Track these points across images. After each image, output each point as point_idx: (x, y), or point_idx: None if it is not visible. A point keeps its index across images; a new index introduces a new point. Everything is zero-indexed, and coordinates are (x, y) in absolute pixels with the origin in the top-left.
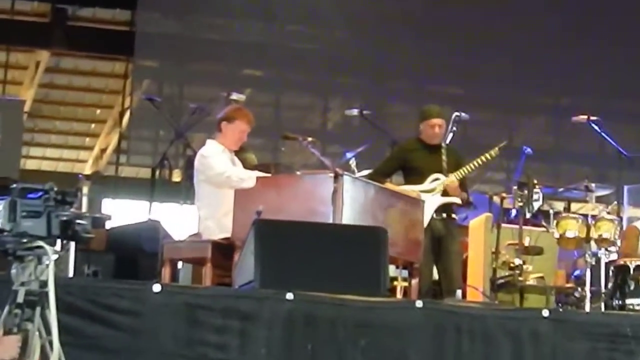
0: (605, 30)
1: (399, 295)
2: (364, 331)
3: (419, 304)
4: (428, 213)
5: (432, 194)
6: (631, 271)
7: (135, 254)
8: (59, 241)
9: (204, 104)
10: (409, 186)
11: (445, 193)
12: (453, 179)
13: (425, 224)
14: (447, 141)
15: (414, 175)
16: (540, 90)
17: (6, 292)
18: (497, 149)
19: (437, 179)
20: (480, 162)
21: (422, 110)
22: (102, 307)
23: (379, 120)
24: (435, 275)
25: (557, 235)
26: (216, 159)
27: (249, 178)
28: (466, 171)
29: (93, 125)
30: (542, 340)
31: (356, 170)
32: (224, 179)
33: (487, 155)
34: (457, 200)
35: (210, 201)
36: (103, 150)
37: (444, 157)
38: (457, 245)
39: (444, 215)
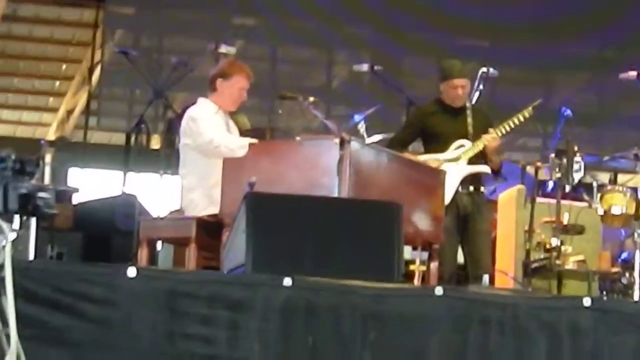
0: None
1: (416, 282)
2: (373, 323)
3: (438, 291)
4: (453, 185)
5: (457, 162)
6: None
7: (107, 232)
8: (17, 217)
9: (188, 58)
10: (429, 155)
11: (472, 161)
12: (494, 134)
13: (450, 197)
14: (473, 101)
15: (435, 142)
16: (581, 41)
17: None
18: (530, 108)
19: (461, 146)
20: (511, 125)
21: (442, 68)
22: (68, 294)
23: (393, 77)
24: (460, 259)
25: (601, 212)
26: (206, 123)
27: (240, 148)
28: (508, 127)
29: (58, 83)
30: (583, 333)
31: (366, 136)
32: (212, 149)
33: (520, 116)
34: (486, 169)
35: (197, 168)
36: (69, 112)
37: (469, 120)
38: (486, 224)
39: (471, 188)
